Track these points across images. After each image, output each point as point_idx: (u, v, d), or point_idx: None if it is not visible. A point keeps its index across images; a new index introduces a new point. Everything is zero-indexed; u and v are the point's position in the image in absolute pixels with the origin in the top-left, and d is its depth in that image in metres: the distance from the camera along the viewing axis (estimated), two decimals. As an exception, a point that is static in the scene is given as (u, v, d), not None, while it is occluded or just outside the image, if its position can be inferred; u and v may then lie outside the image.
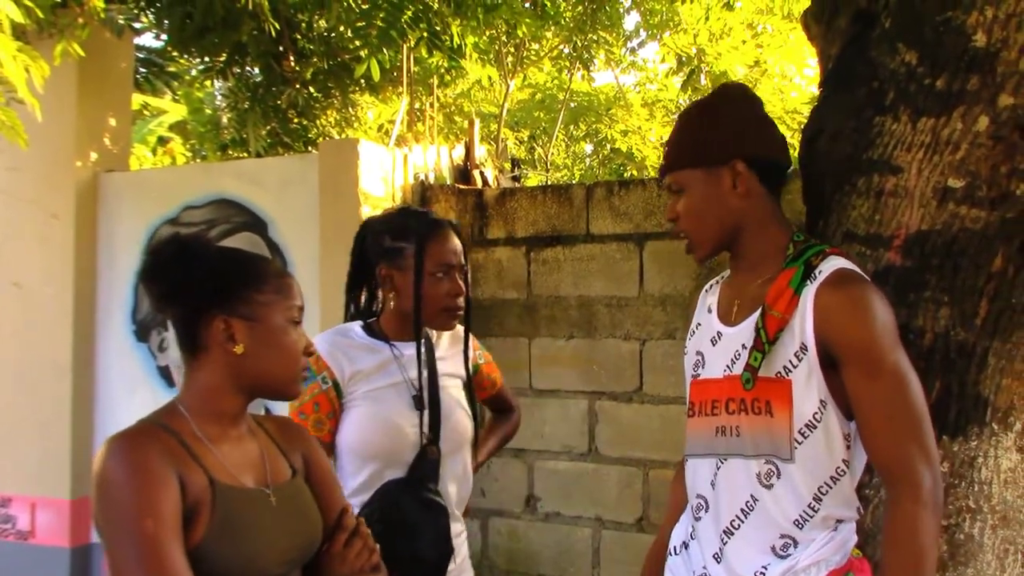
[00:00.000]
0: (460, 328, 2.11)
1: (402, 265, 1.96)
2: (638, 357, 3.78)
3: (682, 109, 1.84)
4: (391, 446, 1.91)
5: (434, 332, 2.08)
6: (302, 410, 1.92)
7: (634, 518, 3.79)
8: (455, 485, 2.00)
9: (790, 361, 1.54)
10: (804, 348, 1.53)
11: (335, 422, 1.94)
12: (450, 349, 2.10)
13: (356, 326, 2.03)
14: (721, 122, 1.66)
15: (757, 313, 1.58)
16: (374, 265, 2.02)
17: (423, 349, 1.99)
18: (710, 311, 1.75)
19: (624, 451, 3.81)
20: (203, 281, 1.42)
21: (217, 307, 1.42)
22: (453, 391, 2.04)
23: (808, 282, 1.54)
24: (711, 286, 1.82)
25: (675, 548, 1.79)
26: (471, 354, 2.14)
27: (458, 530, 2.02)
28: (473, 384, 2.14)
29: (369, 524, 1.76)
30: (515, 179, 5.70)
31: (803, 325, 1.53)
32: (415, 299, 1.94)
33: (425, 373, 1.98)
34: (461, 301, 1.99)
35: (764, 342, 1.55)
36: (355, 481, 1.93)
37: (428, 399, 1.96)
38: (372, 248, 2.02)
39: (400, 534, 1.85)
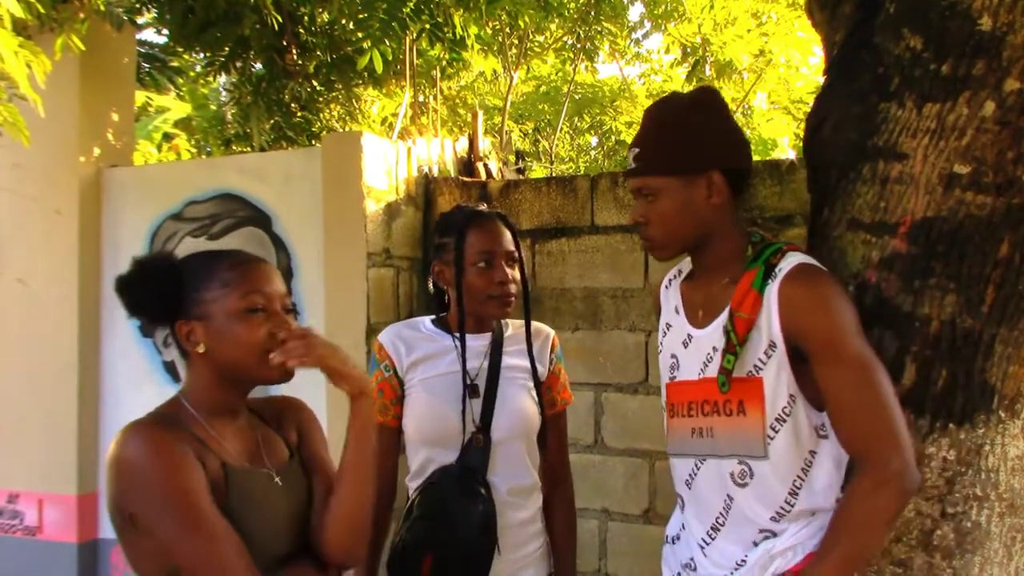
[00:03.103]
0: (542, 326, 2.16)
1: (448, 259, 2.03)
2: (643, 348, 3.77)
3: (649, 107, 1.83)
4: (438, 433, 1.98)
5: (509, 327, 2.12)
6: None
7: (641, 510, 3.78)
8: (508, 475, 2.01)
9: (760, 359, 1.57)
10: (773, 345, 1.56)
11: (400, 407, 2.04)
12: (523, 344, 2.11)
13: (427, 319, 2.12)
14: (699, 131, 1.67)
15: (724, 315, 1.62)
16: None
17: (487, 340, 2.05)
18: (678, 312, 1.76)
19: (630, 443, 3.80)
20: (158, 295, 1.50)
21: (176, 314, 1.50)
22: (517, 382, 2.05)
23: (769, 281, 1.57)
24: (669, 282, 1.84)
25: (671, 538, 1.82)
26: (547, 354, 2.13)
27: (518, 519, 2.01)
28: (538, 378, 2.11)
29: (412, 509, 1.93)
30: (519, 171, 5.69)
31: (769, 322, 1.56)
32: (457, 290, 2.01)
33: (485, 363, 2.03)
34: (511, 288, 2.01)
35: (735, 344, 1.58)
36: (413, 465, 2.04)
37: (485, 388, 2.00)
38: (431, 248, 2.13)
39: (441, 521, 1.90)
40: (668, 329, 1.80)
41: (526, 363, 2.08)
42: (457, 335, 2.02)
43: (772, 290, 1.56)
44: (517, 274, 2.04)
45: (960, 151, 1.64)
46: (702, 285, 1.72)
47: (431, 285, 2.15)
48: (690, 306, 1.74)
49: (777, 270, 1.58)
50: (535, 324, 2.12)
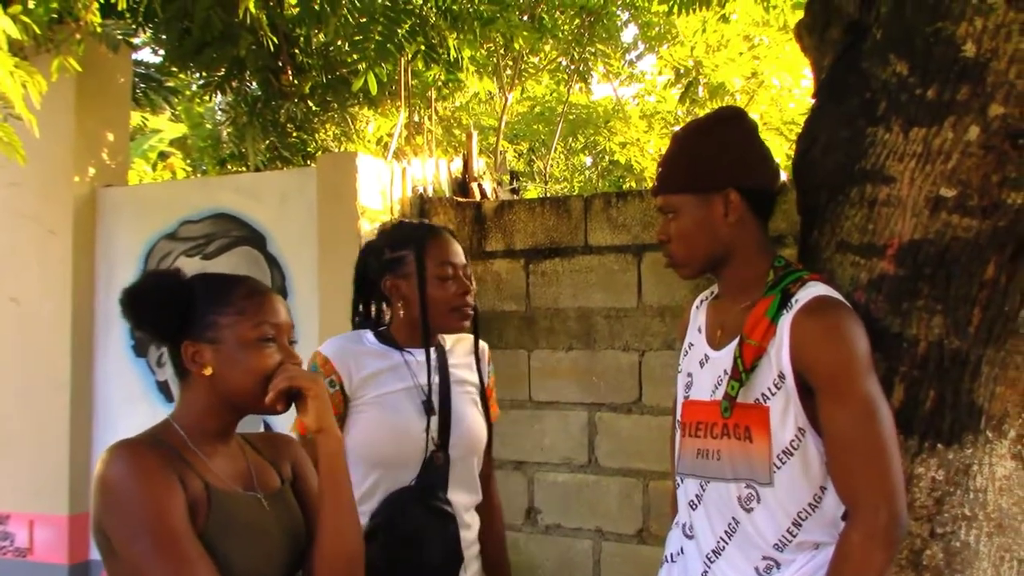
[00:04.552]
0: (472, 337, 2.12)
1: (406, 273, 1.97)
2: (637, 368, 3.78)
3: (678, 128, 1.85)
4: (397, 451, 1.91)
5: (448, 340, 2.08)
6: None
7: (634, 529, 3.78)
8: (465, 492, 1.99)
9: (768, 389, 1.57)
10: (782, 376, 1.56)
11: (341, 426, 1.92)
12: (465, 357, 2.10)
13: (368, 333, 2.04)
14: (717, 149, 1.69)
15: (737, 340, 1.61)
16: (378, 282, 2.03)
17: (435, 355, 2.00)
18: (700, 331, 1.77)
19: (624, 462, 3.80)
20: (167, 312, 1.49)
21: (184, 333, 1.49)
22: (466, 397, 2.03)
23: (785, 311, 1.58)
24: (700, 303, 1.85)
25: (671, 555, 1.80)
26: (485, 367, 2.13)
27: (468, 539, 2.00)
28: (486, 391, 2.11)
29: (377, 533, 1.85)
30: (514, 191, 5.71)
31: (779, 354, 1.56)
32: (421, 303, 1.95)
33: (437, 378, 1.98)
34: (471, 299, 2.00)
35: (741, 371, 1.58)
36: (362, 487, 1.90)
37: (439, 404, 1.96)
38: (373, 265, 2.04)
39: (407, 543, 1.86)
40: (690, 348, 1.80)
41: (472, 376, 2.06)
42: (407, 350, 1.98)
43: (786, 321, 1.56)
44: (474, 286, 2.03)
45: (946, 175, 1.65)
46: (724, 306, 1.73)
47: (360, 303, 2.10)
48: (711, 326, 1.75)
49: (794, 301, 1.58)
50: (469, 338, 2.10)
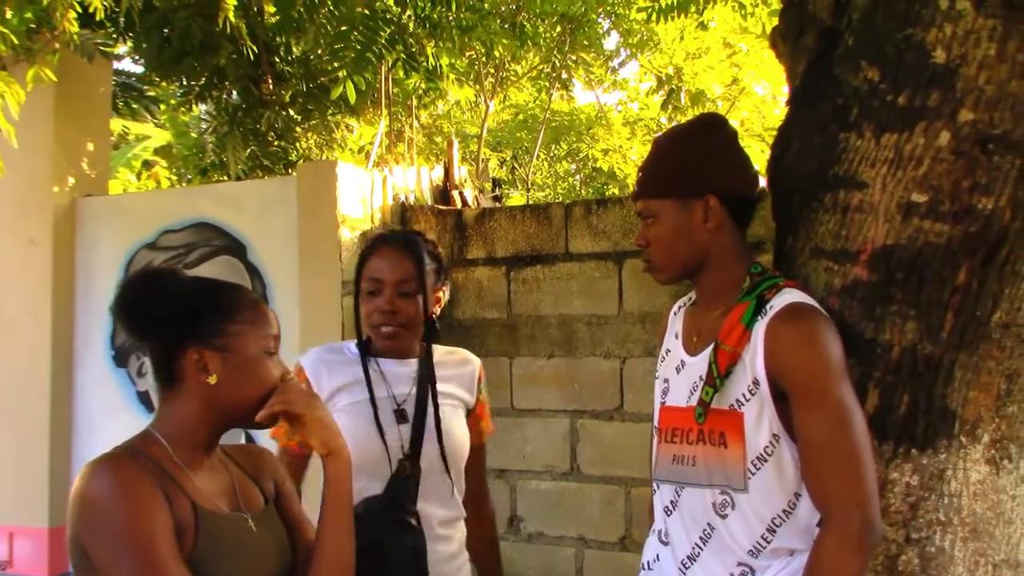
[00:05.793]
0: (470, 355, 2.13)
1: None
2: (619, 375, 3.79)
3: (659, 133, 1.86)
4: (361, 460, 1.85)
5: (438, 351, 2.07)
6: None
7: (617, 537, 3.78)
8: (439, 504, 1.96)
9: (743, 395, 1.57)
10: (756, 383, 1.56)
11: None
12: (454, 369, 2.08)
13: (351, 343, 2.06)
14: (697, 155, 1.69)
15: (712, 346, 1.62)
16: None
17: (416, 366, 2.01)
18: (676, 337, 1.77)
19: (606, 470, 3.80)
20: (173, 314, 1.41)
21: (189, 339, 1.41)
22: (446, 409, 2.00)
23: (759, 317, 1.58)
24: (678, 309, 1.85)
25: (647, 563, 1.80)
26: (474, 384, 2.11)
27: (446, 553, 1.97)
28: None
29: None
30: (496, 199, 5.72)
31: (754, 360, 1.56)
32: (355, 315, 1.99)
33: (413, 389, 1.98)
34: (395, 318, 1.96)
35: (715, 377, 1.58)
36: None
37: (413, 415, 1.94)
38: None
39: (369, 554, 1.80)
40: (666, 355, 1.80)
41: (455, 390, 2.05)
42: (380, 359, 2.00)
43: (760, 328, 1.56)
44: (410, 305, 1.97)
45: (917, 180, 1.66)
46: (701, 312, 1.73)
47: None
48: (688, 332, 1.75)
49: (768, 307, 1.58)
50: (463, 353, 2.11)
